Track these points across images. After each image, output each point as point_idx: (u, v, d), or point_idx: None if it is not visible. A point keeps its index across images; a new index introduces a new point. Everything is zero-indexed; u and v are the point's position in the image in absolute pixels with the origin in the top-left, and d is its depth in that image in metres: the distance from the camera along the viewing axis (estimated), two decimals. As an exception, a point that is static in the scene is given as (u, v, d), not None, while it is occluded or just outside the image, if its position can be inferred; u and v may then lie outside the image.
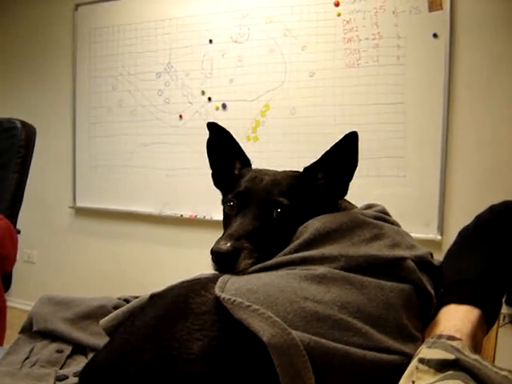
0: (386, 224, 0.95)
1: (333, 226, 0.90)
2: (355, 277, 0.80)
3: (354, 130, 0.94)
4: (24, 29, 4.57)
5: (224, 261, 0.89)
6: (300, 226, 0.94)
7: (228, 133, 1.12)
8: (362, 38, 3.19)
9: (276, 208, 0.97)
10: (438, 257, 1.01)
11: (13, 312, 2.84)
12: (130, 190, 4.07)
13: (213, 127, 1.12)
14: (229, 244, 0.90)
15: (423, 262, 0.90)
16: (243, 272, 0.87)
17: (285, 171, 1.09)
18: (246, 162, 1.15)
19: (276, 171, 1.09)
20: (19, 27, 4.60)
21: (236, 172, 1.14)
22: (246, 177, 1.07)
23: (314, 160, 1.03)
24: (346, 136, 0.96)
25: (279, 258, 0.88)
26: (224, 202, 1.08)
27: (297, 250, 0.88)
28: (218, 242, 0.92)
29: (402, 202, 3.05)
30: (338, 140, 0.97)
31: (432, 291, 0.87)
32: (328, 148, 1.00)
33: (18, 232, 2.38)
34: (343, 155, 0.98)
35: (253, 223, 0.96)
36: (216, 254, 0.90)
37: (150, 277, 3.79)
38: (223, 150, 1.14)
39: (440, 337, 0.76)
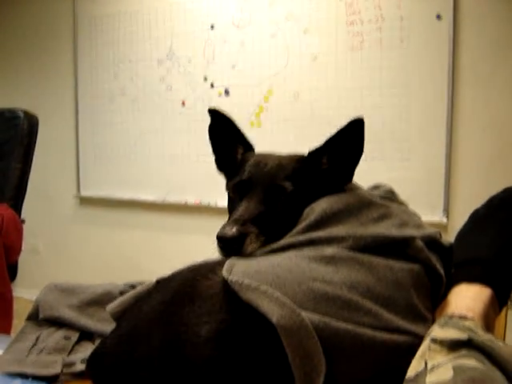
0: (394, 204, 0.94)
1: (340, 207, 0.89)
2: (364, 257, 0.79)
3: (360, 113, 0.93)
4: (25, 19, 4.55)
5: (230, 246, 0.88)
6: (306, 208, 0.93)
7: (230, 118, 1.10)
8: (365, 21, 3.16)
9: (281, 193, 0.96)
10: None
11: (19, 302, 2.84)
12: (134, 178, 4.07)
13: (214, 113, 1.11)
14: (234, 229, 0.89)
15: (432, 242, 0.89)
16: (250, 255, 0.87)
17: (289, 155, 1.08)
18: (249, 146, 1.13)
19: (280, 155, 1.08)
20: (20, 18, 4.58)
21: (239, 157, 1.12)
22: (250, 161, 1.05)
23: (319, 144, 1.02)
24: (352, 122, 0.94)
25: (286, 240, 0.87)
26: (229, 187, 1.07)
27: (304, 232, 0.87)
28: (223, 227, 0.91)
29: (407, 186, 3.02)
30: (343, 125, 0.95)
31: (441, 271, 0.86)
32: (333, 133, 0.98)
33: (23, 222, 2.38)
34: (348, 142, 0.97)
35: (258, 207, 0.95)
36: (222, 239, 0.89)
37: (155, 264, 3.78)
38: (225, 135, 1.13)
39: (452, 316, 0.75)
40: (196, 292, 0.73)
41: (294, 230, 0.89)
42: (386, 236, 0.83)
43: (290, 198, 0.96)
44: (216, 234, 0.89)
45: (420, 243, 0.85)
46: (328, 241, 0.83)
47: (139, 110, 3.98)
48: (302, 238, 0.85)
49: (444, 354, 0.67)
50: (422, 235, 0.86)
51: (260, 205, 0.95)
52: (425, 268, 0.84)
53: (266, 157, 1.06)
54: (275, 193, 0.96)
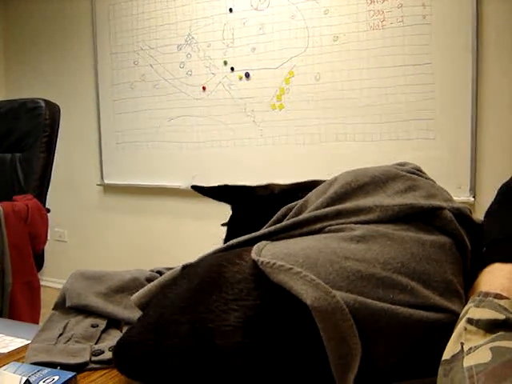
0: (421, 178, 0.92)
1: (365, 180, 0.87)
2: (394, 233, 0.77)
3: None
4: (43, 10, 4.58)
5: None
6: None
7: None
8: (386, -2, 3.11)
9: None
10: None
11: (47, 291, 2.87)
12: (157, 165, 4.09)
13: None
14: None
15: (461, 215, 0.86)
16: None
17: None
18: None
19: None
20: (38, 8, 4.60)
21: None
22: None
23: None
24: None
25: (312, 213, 0.84)
26: None
27: (329, 204, 0.85)
28: None
29: (433, 165, 2.97)
30: None
31: (469, 244, 0.83)
32: None
33: (48, 211, 2.40)
34: None
35: None
36: None
37: (180, 250, 3.80)
38: None
39: (487, 295, 0.73)
40: (223, 278, 0.71)
41: (319, 202, 0.87)
42: (413, 205, 0.81)
43: None
44: None
45: (449, 214, 0.81)
46: (355, 212, 0.81)
47: (160, 96, 3.99)
48: (328, 210, 0.83)
49: (481, 335, 0.64)
50: (450, 207, 0.84)
51: None
52: (455, 241, 0.81)
53: None
54: None
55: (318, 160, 3.32)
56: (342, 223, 0.80)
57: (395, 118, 3.09)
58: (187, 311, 0.70)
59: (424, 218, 0.81)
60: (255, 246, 0.75)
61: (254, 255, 0.71)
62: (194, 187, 1.12)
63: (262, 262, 0.68)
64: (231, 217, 1.12)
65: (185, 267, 0.83)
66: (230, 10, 3.61)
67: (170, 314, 0.72)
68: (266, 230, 0.85)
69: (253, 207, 1.04)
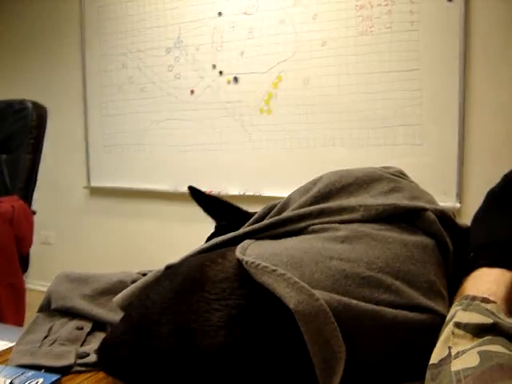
0: (404, 180, 0.92)
1: (349, 180, 0.88)
2: (378, 233, 0.77)
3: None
4: (32, 10, 4.55)
5: None
6: None
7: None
8: (375, 5, 3.12)
9: None
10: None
11: (32, 294, 2.84)
12: (145, 168, 4.07)
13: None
14: None
15: (444, 217, 0.86)
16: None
17: None
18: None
19: None
20: (27, 8, 4.58)
21: None
22: None
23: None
24: None
25: (295, 211, 0.85)
26: None
27: (312, 203, 0.86)
28: None
29: (420, 171, 2.98)
30: None
31: (451, 246, 0.84)
32: None
33: (34, 213, 2.38)
34: None
35: None
36: None
37: (167, 254, 3.76)
38: None
39: (474, 299, 0.73)
40: (205, 277, 0.71)
41: (303, 200, 0.87)
42: (396, 205, 0.81)
43: None
44: None
45: (432, 215, 0.82)
46: (339, 211, 0.82)
47: (148, 99, 3.98)
48: (312, 208, 0.84)
49: (468, 339, 0.64)
50: (433, 209, 0.84)
51: None
52: (437, 243, 0.82)
53: None
54: None
55: (306, 165, 3.33)
56: (326, 222, 0.81)
57: (382, 123, 3.10)
58: (169, 311, 0.70)
59: (407, 218, 0.82)
60: (239, 246, 0.75)
61: (238, 254, 0.71)
62: (191, 189, 1.10)
63: (247, 261, 0.68)
64: (212, 234, 1.11)
65: (168, 267, 0.83)
66: (220, 13, 3.61)
67: (152, 315, 0.72)
68: (249, 228, 0.85)
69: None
